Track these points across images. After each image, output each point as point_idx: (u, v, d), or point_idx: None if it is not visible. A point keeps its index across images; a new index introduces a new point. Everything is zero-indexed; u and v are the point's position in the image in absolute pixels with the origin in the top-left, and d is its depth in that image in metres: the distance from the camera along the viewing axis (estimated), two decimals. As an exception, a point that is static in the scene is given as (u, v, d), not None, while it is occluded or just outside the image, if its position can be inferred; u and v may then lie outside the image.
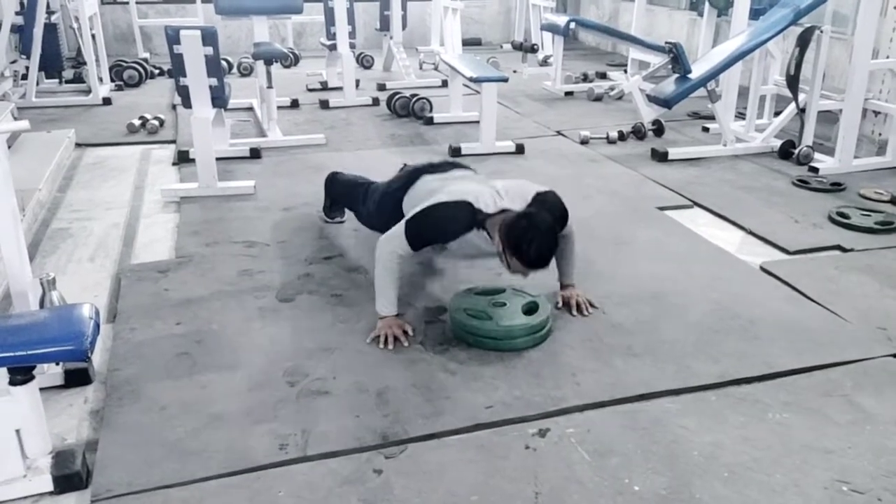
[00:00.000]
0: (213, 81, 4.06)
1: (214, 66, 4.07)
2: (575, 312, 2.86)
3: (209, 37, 3.98)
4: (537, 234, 2.49)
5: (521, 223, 2.51)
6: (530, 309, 2.71)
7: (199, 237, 3.58)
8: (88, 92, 6.49)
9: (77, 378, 2.42)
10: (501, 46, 9.65)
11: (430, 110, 5.91)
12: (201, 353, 2.58)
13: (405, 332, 2.67)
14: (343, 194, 3.62)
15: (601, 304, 2.92)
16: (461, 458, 2.07)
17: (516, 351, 2.58)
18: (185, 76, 4.00)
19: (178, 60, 3.99)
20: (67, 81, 7.03)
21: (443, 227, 2.71)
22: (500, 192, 2.69)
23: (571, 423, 2.22)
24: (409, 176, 3.09)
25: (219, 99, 4.20)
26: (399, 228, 2.71)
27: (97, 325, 1.96)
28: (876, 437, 2.17)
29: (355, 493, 1.94)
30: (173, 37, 3.98)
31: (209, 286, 3.07)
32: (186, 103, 4.12)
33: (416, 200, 2.85)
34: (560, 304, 2.91)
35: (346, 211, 3.73)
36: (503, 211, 2.62)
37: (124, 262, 3.36)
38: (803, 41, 4.68)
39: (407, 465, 2.04)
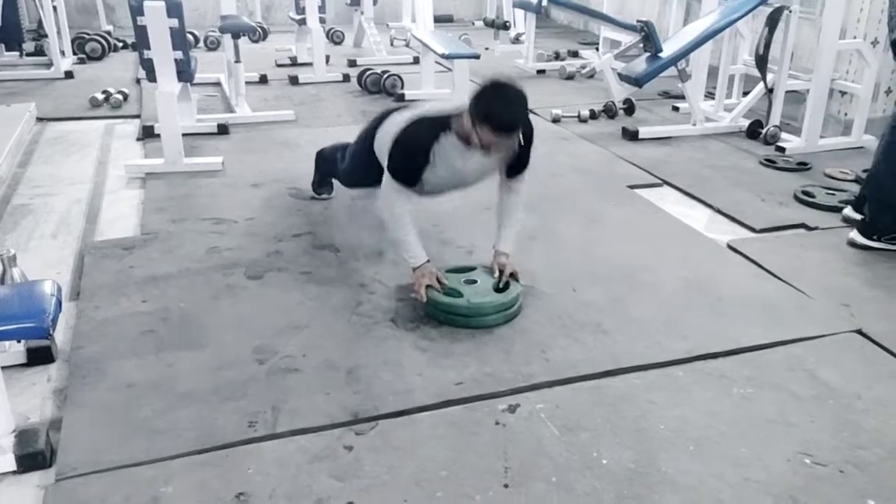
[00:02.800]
0: (179, 55, 3.97)
1: (180, 39, 3.98)
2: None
3: (174, 8, 3.88)
4: (505, 95, 2.47)
5: (487, 89, 2.47)
6: (501, 286, 2.71)
7: (165, 214, 3.51)
8: (50, 65, 6.32)
9: (40, 356, 2.37)
10: (473, 23, 9.58)
11: (402, 87, 5.85)
12: (168, 331, 2.54)
13: (438, 281, 2.67)
14: (327, 164, 3.60)
15: (571, 281, 2.93)
16: (431, 434, 2.08)
17: (487, 328, 2.58)
18: (149, 49, 3.90)
19: (142, 33, 3.89)
20: (28, 54, 6.84)
21: (413, 144, 2.66)
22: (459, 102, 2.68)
23: (541, 399, 2.23)
24: (377, 119, 3.06)
25: (184, 73, 4.12)
26: (385, 174, 2.73)
27: (59, 302, 1.93)
28: (838, 411, 2.22)
29: (325, 469, 1.93)
30: (137, 8, 3.86)
31: (176, 263, 3.02)
32: (151, 77, 4.02)
33: (384, 136, 2.85)
34: (497, 274, 2.76)
35: (334, 187, 3.72)
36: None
37: (88, 238, 3.29)
38: (772, 21, 4.71)
39: (377, 442, 2.04)
